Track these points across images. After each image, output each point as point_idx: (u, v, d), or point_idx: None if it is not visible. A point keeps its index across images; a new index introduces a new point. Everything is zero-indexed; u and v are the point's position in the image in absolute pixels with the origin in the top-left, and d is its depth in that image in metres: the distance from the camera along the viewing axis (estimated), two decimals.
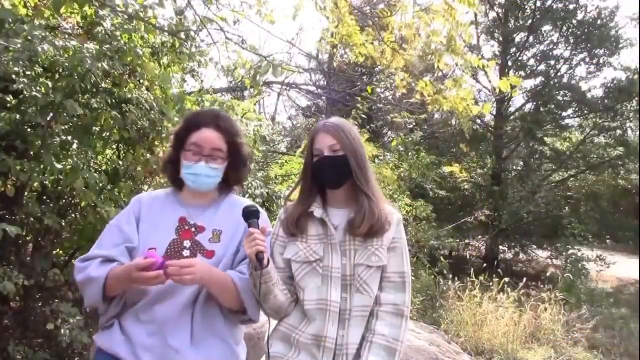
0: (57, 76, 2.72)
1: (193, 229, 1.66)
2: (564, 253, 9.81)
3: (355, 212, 1.62)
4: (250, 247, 1.48)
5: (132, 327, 1.56)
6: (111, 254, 1.59)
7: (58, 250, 3.13)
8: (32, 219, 2.82)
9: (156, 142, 3.06)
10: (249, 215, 1.57)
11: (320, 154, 1.64)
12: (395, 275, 1.63)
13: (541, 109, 11.73)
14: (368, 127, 8.84)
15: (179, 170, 1.69)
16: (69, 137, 2.73)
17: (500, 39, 12.05)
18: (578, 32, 11.47)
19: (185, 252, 1.61)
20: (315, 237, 1.64)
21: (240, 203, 1.72)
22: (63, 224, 2.85)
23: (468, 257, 9.33)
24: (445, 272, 7.06)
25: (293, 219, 1.66)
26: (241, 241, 1.64)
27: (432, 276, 6.93)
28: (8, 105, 2.57)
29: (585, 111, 12.03)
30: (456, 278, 6.47)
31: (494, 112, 12.12)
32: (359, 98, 8.06)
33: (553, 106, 11.77)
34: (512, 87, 4.24)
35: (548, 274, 7.44)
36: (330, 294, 1.58)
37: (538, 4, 11.43)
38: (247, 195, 4.42)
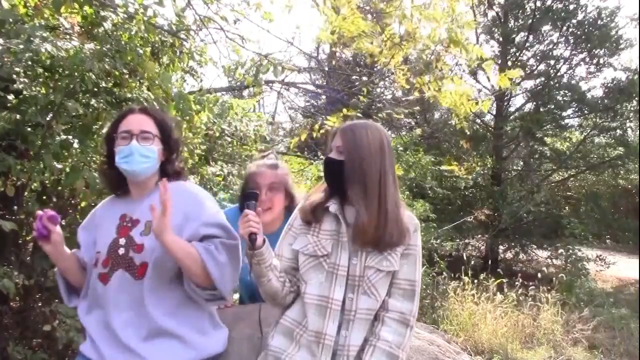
0: (57, 76, 2.72)
1: (129, 224, 1.63)
2: (564, 253, 9.82)
3: (353, 224, 1.59)
4: (244, 228, 1.50)
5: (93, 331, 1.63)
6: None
7: None
8: (32, 218, 2.82)
9: None
10: (248, 196, 1.60)
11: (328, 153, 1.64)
12: (406, 283, 1.60)
13: (541, 109, 11.73)
14: None
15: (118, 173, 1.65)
16: (69, 137, 2.73)
17: (500, 39, 12.04)
18: (578, 32, 11.45)
19: (121, 250, 1.59)
20: (327, 232, 1.62)
21: (182, 189, 1.66)
22: (63, 223, 2.84)
23: (468, 257, 9.31)
24: (444, 272, 7.06)
25: (310, 206, 1.64)
26: (181, 227, 1.58)
27: (432, 276, 6.93)
28: (8, 105, 2.56)
29: (585, 111, 12.02)
30: (456, 278, 6.47)
31: (494, 112, 12.12)
32: (358, 97, 8.04)
33: (553, 106, 11.76)
34: (511, 80, 4.22)
35: (548, 274, 7.43)
36: (333, 291, 1.57)
37: (538, 4, 11.42)
38: None
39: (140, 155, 1.59)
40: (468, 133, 11.49)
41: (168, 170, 1.68)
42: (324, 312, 1.56)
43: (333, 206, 1.61)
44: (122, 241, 1.61)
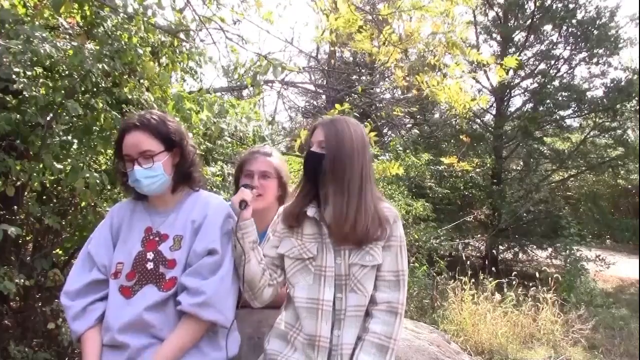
0: (57, 76, 2.72)
1: (157, 239, 1.63)
2: (563, 253, 9.82)
3: (332, 219, 1.60)
4: (237, 197, 1.61)
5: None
6: (87, 280, 1.63)
7: (58, 250, 3.12)
8: (32, 219, 2.82)
9: None
10: (247, 185, 1.72)
11: (309, 148, 1.64)
12: (390, 274, 1.61)
13: (540, 109, 11.73)
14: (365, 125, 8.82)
15: None
16: (69, 137, 2.73)
17: (500, 38, 12.04)
18: (578, 32, 11.46)
19: (149, 265, 1.59)
20: (310, 236, 1.63)
21: (203, 201, 1.68)
22: (63, 223, 2.85)
23: (467, 256, 9.31)
24: (444, 272, 7.05)
25: (291, 212, 1.65)
26: (191, 238, 1.62)
27: (431, 276, 6.93)
28: (8, 105, 2.57)
29: (585, 111, 12.02)
30: (455, 278, 6.47)
31: (494, 112, 12.11)
32: (357, 96, 8.06)
33: (552, 106, 11.76)
34: (508, 72, 4.22)
35: (548, 273, 7.43)
36: (322, 293, 1.58)
37: (538, 3, 11.41)
38: None
39: (145, 178, 1.59)
40: (466, 128, 11.48)
41: (176, 179, 1.67)
42: (315, 314, 1.57)
43: (311, 210, 1.63)
44: (149, 255, 1.60)
